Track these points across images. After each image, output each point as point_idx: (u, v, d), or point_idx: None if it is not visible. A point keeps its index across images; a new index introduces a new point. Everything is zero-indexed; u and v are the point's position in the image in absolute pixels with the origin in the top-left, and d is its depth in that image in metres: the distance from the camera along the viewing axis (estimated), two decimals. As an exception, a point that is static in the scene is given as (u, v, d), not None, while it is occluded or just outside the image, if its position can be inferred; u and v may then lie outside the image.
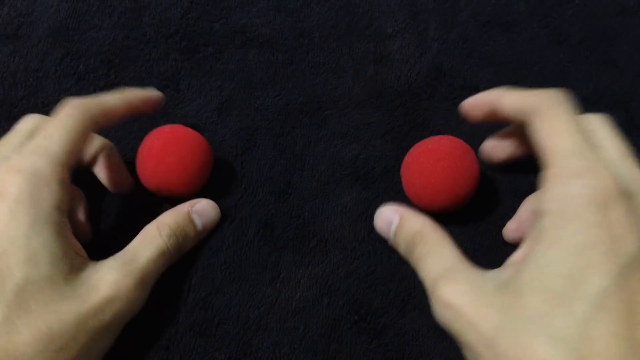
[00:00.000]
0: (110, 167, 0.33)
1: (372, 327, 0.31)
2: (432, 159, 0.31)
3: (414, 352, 0.31)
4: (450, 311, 0.25)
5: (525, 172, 0.35)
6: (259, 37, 0.40)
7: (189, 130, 0.33)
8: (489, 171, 0.35)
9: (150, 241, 0.30)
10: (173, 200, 0.33)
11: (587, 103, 0.38)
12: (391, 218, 0.31)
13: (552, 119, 0.27)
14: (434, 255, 0.28)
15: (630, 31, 0.41)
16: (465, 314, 0.24)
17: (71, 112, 0.29)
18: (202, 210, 0.32)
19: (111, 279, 0.27)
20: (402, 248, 0.30)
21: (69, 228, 0.28)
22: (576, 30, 0.41)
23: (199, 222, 0.32)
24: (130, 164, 0.35)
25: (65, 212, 0.28)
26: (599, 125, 0.28)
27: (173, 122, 0.37)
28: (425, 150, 0.32)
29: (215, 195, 0.34)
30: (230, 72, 0.39)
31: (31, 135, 0.29)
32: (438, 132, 0.37)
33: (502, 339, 0.23)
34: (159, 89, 0.38)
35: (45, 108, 0.37)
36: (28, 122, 0.31)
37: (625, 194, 0.24)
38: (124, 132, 0.36)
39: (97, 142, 0.33)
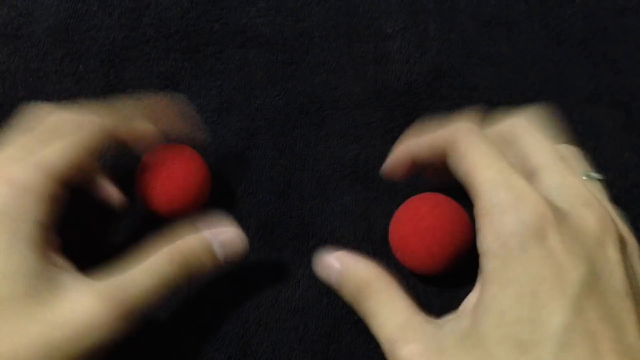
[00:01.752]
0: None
1: (372, 327, 0.31)
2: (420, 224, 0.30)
3: (414, 352, 0.31)
4: None
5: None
6: (259, 37, 0.40)
7: (186, 148, 0.32)
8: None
9: (155, 268, 0.26)
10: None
11: (587, 103, 0.38)
12: (332, 265, 0.28)
13: (469, 150, 0.26)
14: (385, 310, 0.26)
15: (630, 31, 0.41)
16: None
17: (89, 127, 0.28)
18: (226, 240, 0.29)
19: (89, 305, 0.24)
20: (348, 299, 0.27)
21: (53, 244, 0.27)
22: (576, 30, 0.41)
23: (220, 253, 0.28)
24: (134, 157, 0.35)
25: (51, 229, 0.26)
26: (523, 129, 0.28)
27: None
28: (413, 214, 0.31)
29: (215, 195, 0.34)
30: (230, 72, 0.39)
31: (49, 136, 0.28)
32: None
33: None
34: (159, 89, 0.38)
35: (45, 108, 0.37)
36: (52, 120, 0.29)
37: (560, 216, 0.23)
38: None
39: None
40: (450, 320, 0.25)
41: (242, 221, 0.34)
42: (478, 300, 0.24)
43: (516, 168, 0.25)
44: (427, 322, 0.25)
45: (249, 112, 0.37)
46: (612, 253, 0.24)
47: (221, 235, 0.29)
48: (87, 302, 0.24)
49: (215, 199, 0.34)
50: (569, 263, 0.23)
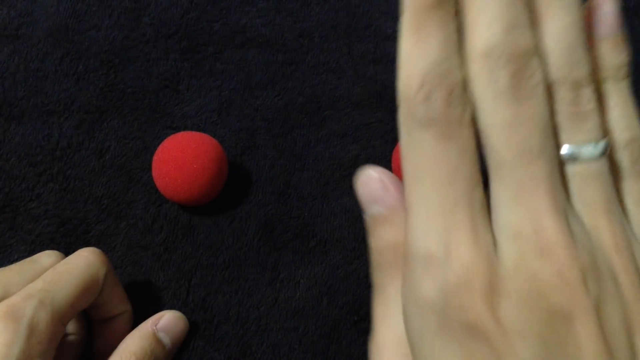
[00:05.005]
0: (111, 336, 0.30)
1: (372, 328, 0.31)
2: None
3: (414, 352, 0.31)
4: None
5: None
6: (259, 37, 0.40)
7: (205, 136, 0.33)
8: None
9: None
10: (189, 208, 0.33)
11: (587, 103, 0.38)
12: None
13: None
14: (396, 305, 0.20)
15: (630, 31, 0.41)
16: None
17: (90, 257, 0.27)
18: (167, 325, 0.29)
19: None
20: (373, 259, 0.22)
21: None
22: (576, 30, 0.41)
23: (167, 341, 0.29)
24: (130, 164, 0.35)
25: None
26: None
27: (172, 122, 0.37)
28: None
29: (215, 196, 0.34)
30: (230, 72, 0.39)
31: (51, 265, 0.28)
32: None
33: None
34: (159, 89, 0.38)
35: (45, 108, 0.37)
36: (50, 258, 0.29)
37: (499, 273, 0.16)
38: (123, 132, 0.36)
39: (121, 307, 0.30)
40: None
41: (242, 221, 0.34)
42: None
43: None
44: None
45: (248, 112, 0.37)
46: (583, 332, 0.16)
47: (160, 322, 0.29)
48: None
49: (215, 199, 0.34)
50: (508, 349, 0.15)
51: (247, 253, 0.33)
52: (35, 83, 0.38)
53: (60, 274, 0.26)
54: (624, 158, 0.18)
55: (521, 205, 0.16)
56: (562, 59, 0.17)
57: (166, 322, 0.29)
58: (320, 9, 0.41)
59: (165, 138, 0.33)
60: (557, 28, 0.18)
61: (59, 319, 0.25)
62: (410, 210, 0.17)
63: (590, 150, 0.17)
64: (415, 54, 0.17)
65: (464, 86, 0.17)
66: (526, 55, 0.17)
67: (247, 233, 0.34)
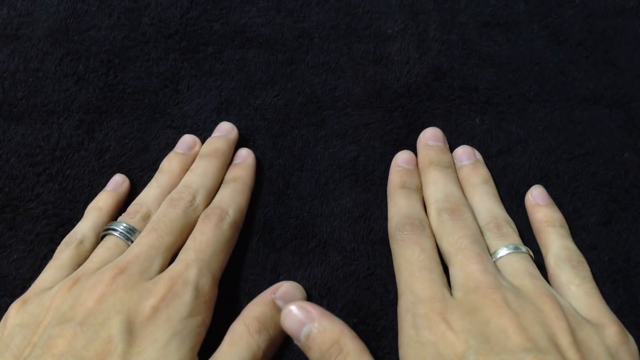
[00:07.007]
0: None
1: (371, 329, 0.31)
2: None
3: (413, 353, 0.31)
4: None
5: (522, 175, 0.35)
6: (259, 37, 0.40)
7: None
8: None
9: (239, 342, 0.27)
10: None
11: (587, 103, 0.38)
12: (304, 321, 0.28)
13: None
14: None
15: (630, 31, 0.41)
16: None
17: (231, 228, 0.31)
18: (285, 294, 0.30)
19: None
20: (315, 356, 0.27)
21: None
22: (576, 30, 0.41)
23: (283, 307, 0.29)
24: (130, 164, 0.35)
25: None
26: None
27: (172, 121, 0.37)
28: None
29: (215, 196, 0.34)
30: (230, 72, 0.39)
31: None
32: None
33: None
34: (159, 89, 0.38)
35: (45, 108, 0.37)
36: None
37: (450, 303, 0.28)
38: (123, 132, 0.36)
39: None
40: None
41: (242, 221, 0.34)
42: None
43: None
44: None
45: (248, 112, 0.37)
46: (508, 326, 0.25)
47: (279, 290, 0.30)
48: None
49: (214, 199, 0.34)
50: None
51: (247, 254, 0.33)
52: (35, 83, 0.38)
53: (207, 242, 0.30)
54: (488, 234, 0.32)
55: (462, 271, 0.29)
56: (486, 215, 0.32)
57: (284, 290, 0.30)
58: (320, 9, 0.41)
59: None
60: (483, 206, 0.33)
61: (215, 282, 0.29)
62: (400, 276, 0.30)
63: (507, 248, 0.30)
64: (393, 209, 0.33)
65: (423, 218, 0.32)
66: (458, 203, 0.32)
67: (246, 233, 0.34)
